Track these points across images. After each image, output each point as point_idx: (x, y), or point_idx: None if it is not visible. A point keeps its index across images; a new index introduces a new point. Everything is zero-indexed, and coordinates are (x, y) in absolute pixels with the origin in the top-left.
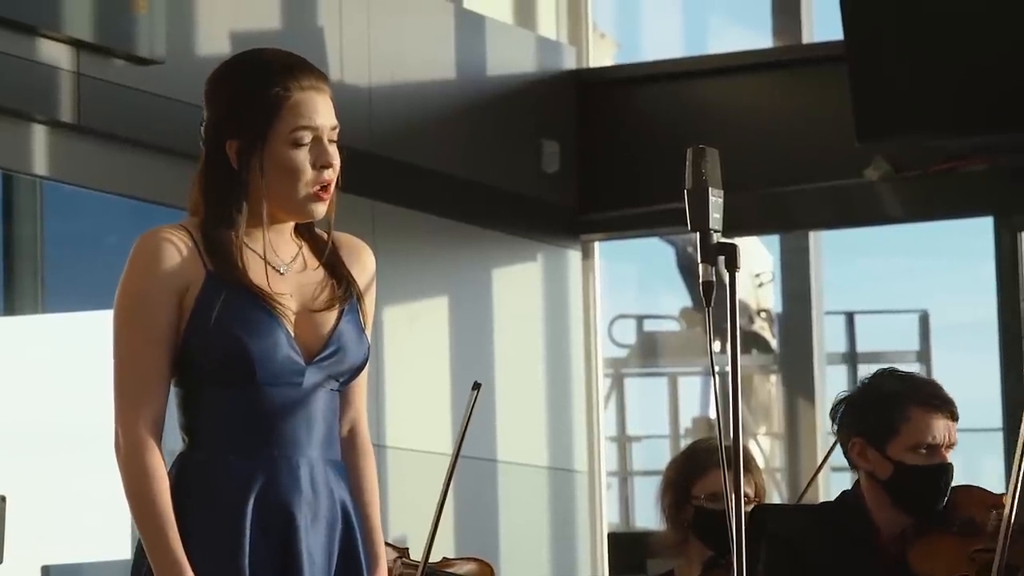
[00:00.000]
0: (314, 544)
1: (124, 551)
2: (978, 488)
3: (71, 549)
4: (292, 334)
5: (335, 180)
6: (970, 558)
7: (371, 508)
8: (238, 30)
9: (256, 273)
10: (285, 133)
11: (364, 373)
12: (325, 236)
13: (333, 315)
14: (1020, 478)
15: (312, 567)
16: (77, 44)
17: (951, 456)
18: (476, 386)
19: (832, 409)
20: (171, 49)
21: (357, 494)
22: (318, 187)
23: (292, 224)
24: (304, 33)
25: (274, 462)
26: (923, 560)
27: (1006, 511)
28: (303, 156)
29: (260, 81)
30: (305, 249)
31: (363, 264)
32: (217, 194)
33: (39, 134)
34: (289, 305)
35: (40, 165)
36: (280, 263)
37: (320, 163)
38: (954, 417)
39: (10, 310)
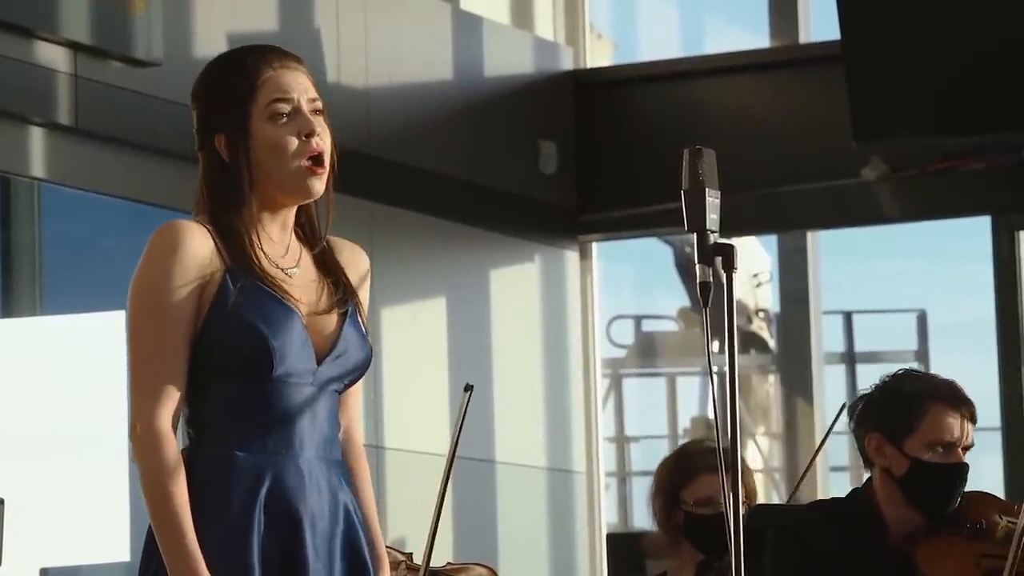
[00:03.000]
0: (319, 542)
1: (123, 553)
2: (991, 494)
3: (70, 551)
4: (306, 332)
5: (329, 159)
6: (976, 563)
7: (370, 510)
8: (235, 32)
9: (270, 269)
10: (263, 109)
11: (361, 380)
12: (324, 237)
13: (335, 318)
14: None
15: (317, 565)
16: (74, 46)
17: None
18: (468, 388)
19: (851, 407)
20: (168, 51)
21: (355, 494)
22: (309, 161)
23: (292, 223)
24: (301, 34)
25: (280, 460)
26: (930, 560)
27: (1021, 520)
28: (285, 129)
29: (232, 70)
30: (305, 253)
31: (358, 268)
32: (217, 192)
33: (36, 136)
34: (302, 305)
35: (37, 167)
36: (285, 266)
37: (304, 132)
38: (973, 419)
39: (8, 312)
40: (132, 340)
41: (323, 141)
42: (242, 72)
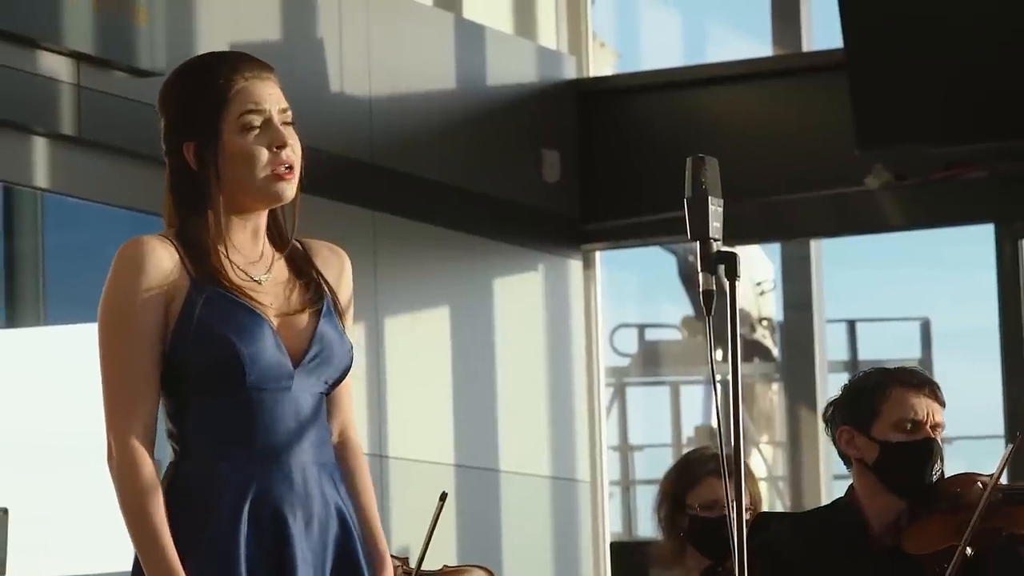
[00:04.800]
0: (308, 549)
1: (127, 563)
2: (968, 472)
3: (73, 561)
4: (278, 338)
5: (299, 166)
6: (958, 530)
7: (371, 511)
8: (238, 42)
9: (237, 279)
10: (234, 120)
11: (349, 378)
12: (294, 240)
13: (310, 318)
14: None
15: (307, 571)
16: (77, 56)
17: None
18: (443, 496)
19: (823, 411)
20: (171, 61)
21: (354, 497)
22: (278, 168)
23: (264, 228)
24: (304, 44)
25: (266, 468)
26: (916, 541)
27: (1000, 463)
28: (256, 141)
29: (203, 79)
30: (276, 257)
31: (338, 267)
32: (185, 200)
33: (40, 146)
34: (271, 310)
35: (41, 177)
36: (256, 274)
37: (275, 144)
38: (937, 398)
39: (12, 322)
40: (102, 360)
41: (293, 153)
42: (214, 81)
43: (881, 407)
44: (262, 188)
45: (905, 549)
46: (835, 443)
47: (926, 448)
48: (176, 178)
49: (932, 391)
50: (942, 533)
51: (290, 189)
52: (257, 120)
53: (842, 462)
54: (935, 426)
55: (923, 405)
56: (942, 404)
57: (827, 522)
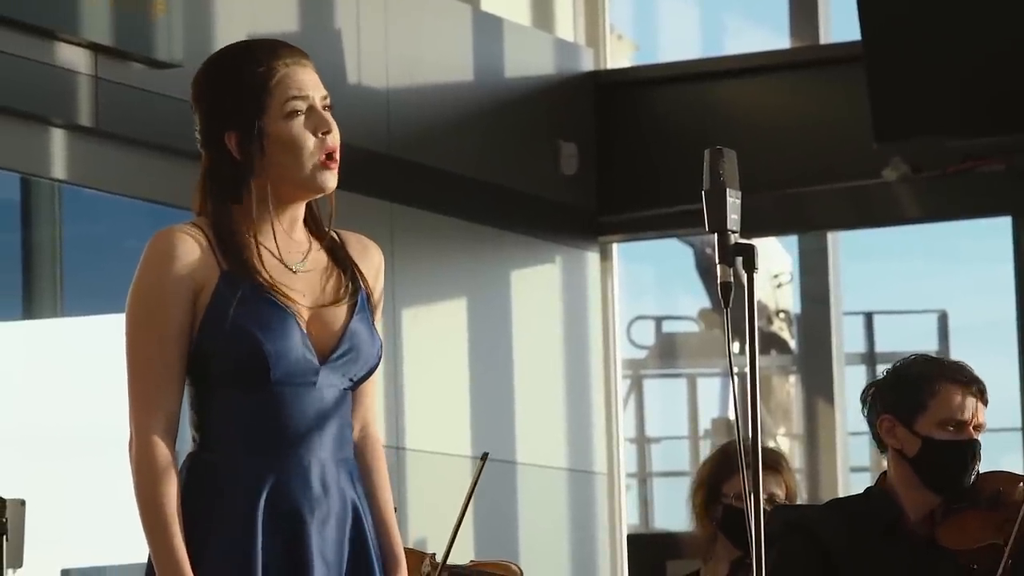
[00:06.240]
0: (325, 545)
1: (144, 555)
2: (1006, 470)
3: (91, 553)
4: (306, 333)
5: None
6: (998, 528)
7: (387, 511)
8: (255, 33)
9: (270, 271)
10: (279, 107)
11: (377, 373)
12: (330, 231)
13: (343, 313)
14: None
15: (322, 568)
16: (95, 48)
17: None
18: (484, 456)
19: (863, 392)
20: (189, 52)
21: (372, 494)
22: (324, 155)
23: (301, 219)
24: (322, 35)
25: (285, 463)
26: (952, 536)
27: None
28: (302, 126)
29: (242, 66)
30: (314, 246)
31: (369, 261)
32: (223, 190)
33: (57, 138)
34: (303, 304)
35: (58, 169)
36: (292, 262)
37: (321, 130)
38: (983, 398)
39: (29, 314)
40: (128, 351)
41: (336, 139)
42: (253, 68)
43: (928, 402)
44: (309, 177)
45: (940, 542)
46: (872, 427)
47: (968, 450)
48: (214, 170)
49: (979, 390)
50: (981, 530)
51: (334, 179)
52: (302, 106)
53: (878, 448)
54: (978, 426)
55: (970, 405)
56: (986, 404)
57: (861, 511)
